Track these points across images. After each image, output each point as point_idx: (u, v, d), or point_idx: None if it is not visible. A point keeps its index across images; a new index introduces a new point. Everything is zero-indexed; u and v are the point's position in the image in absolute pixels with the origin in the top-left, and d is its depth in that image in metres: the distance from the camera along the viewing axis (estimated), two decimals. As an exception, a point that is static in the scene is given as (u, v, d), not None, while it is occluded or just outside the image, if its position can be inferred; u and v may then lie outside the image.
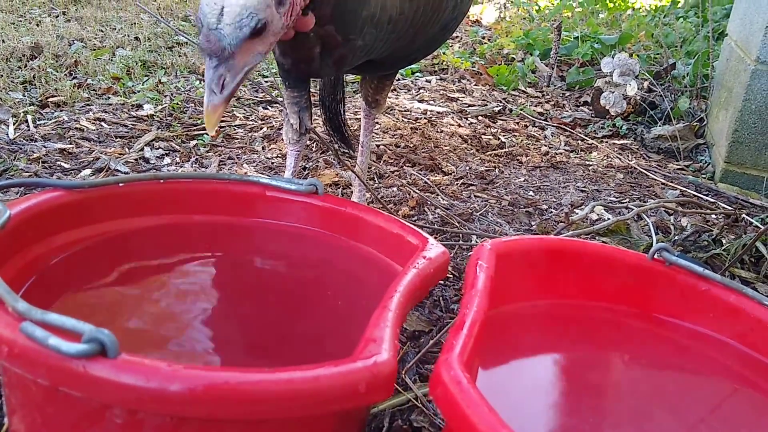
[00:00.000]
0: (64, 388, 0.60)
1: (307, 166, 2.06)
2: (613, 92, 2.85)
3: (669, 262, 0.93)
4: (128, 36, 3.48)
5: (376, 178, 2.05)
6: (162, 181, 0.98)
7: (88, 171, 1.97)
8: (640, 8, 5.68)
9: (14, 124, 2.24)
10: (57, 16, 3.80)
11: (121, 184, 0.95)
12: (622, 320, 0.94)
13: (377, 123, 2.48)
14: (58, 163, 2.00)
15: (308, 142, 2.14)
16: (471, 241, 1.68)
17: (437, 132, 2.57)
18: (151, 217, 0.99)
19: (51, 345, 0.59)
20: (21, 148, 2.06)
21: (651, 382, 0.89)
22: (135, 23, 3.80)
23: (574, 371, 0.92)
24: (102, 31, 3.54)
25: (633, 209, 1.85)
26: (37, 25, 3.50)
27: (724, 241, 1.65)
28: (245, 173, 2.02)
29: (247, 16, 0.94)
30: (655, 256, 0.94)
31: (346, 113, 1.80)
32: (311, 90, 1.42)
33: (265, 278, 1.01)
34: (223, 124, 2.46)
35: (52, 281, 0.86)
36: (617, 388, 0.89)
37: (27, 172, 1.92)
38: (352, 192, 1.78)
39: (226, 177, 1.03)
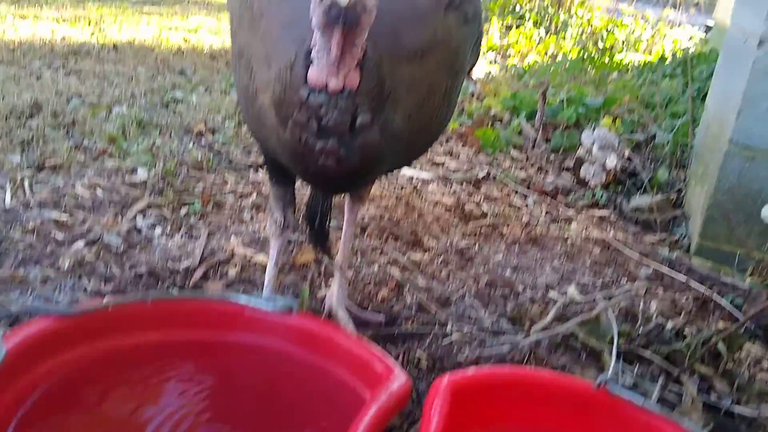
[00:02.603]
0: None
1: (291, 239, 2.13)
2: (593, 164, 2.94)
3: (612, 393, 1.00)
4: (125, 92, 3.57)
5: (359, 255, 2.13)
6: (149, 301, 1.06)
7: (81, 243, 2.04)
8: (628, 64, 5.83)
9: (11, 189, 2.31)
10: (57, 69, 3.90)
11: (109, 308, 1.02)
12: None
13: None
14: (52, 234, 2.07)
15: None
16: (447, 328, 1.75)
17: (422, 201, 2.66)
18: (138, 335, 1.06)
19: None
20: (17, 218, 2.13)
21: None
22: (132, 77, 3.90)
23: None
24: (100, 86, 3.63)
25: (603, 297, 1.92)
26: (37, 79, 3.60)
27: (687, 333, 1.72)
28: (232, 248, 2.09)
29: None
30: (601, 386, 1.02)
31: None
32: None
33: (241, 395, 1.08)
34: (214, 190, 2.54)
35: (45, 404, 0.93)
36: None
37: (22, 242, 1.99)
38: (332, 272, 1.85)
39: (208, 297, 1.10)
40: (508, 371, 1.06)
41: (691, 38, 7.16)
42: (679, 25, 7.87)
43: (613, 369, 1.49)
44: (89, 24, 5.30)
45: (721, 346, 1.63)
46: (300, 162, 1.19)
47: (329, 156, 1.14)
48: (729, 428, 1.49)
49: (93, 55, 4.34)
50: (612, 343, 1.62)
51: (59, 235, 2.07)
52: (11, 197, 2.26)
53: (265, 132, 1.28)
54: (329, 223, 1.54)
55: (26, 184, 2.36)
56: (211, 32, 5.63)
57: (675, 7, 9.20)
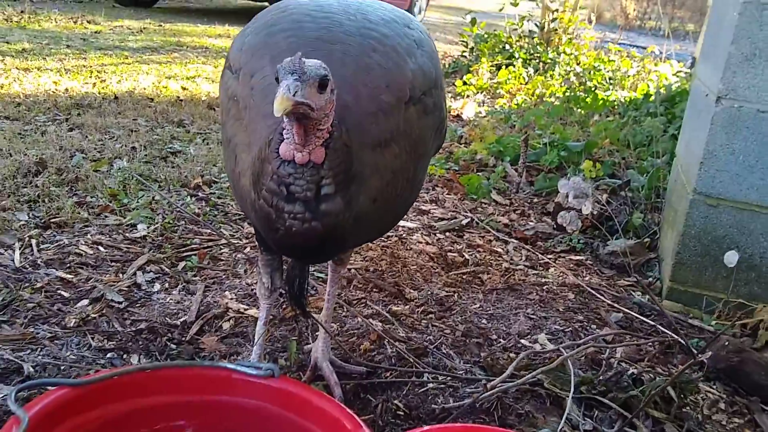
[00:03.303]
0: None
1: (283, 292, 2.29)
2: (569, 211, 3.11)
3: (552, 446, 1.15)
4: (126, 146, 3.75)
5: (345, 305, 2.28)
6: (148, 370, 1.22)
7: (85, 301, 2.20)
8: (614, 102, 6.02)
9: (20, 248, 2.47)
10: (60, 123, 4.08)
11: (114, 377, 1.18)
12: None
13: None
14: (59, 292, 2.23)
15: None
16: (423, 377, 1.90)
17: (406, 250, 2.82)
18: (140, 399, 1.21)
19: None
20: (26, 277, 2.29)
21: None
22: (133, 130, 4.08)
23: None
24: (101, 140, 3.81)
25: (575, 342, 2.07)
26: (42, 134, 3.78)
27: (645, 379, 1.87)
28: (226, 303, 2.25)
29: (323, 68, 1.24)
30: (542, 441, 1.17)
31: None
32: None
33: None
34: (210, 244, 2.70)
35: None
36: None
37: (31, 302, 2.14)
38: (314, 324, 2.01)
39: (200, 364, 1.26)
40: (458, 427, 1.21)
41: (676, 73, 7.35)
42: (666, 60, 8.05)
43: (567, 416, 1.63)
44: (91, 74, 5.50)
45: (672, 392, 1.77)
46: (271, 225, 1.34)
47: (296, 219, 1.30)
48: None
49: (95, 107, 4.53)
50: (574, 392, 1.77)
51: (65, 294, 2.23)
52: (20, 257, 2.42)
53: (247, 206, 1.45)
54: (306, 287, 1.70)
55: (33, 243, 2.53)
56: (209, 80, 5.83)
57: (665, 37, 9.42)
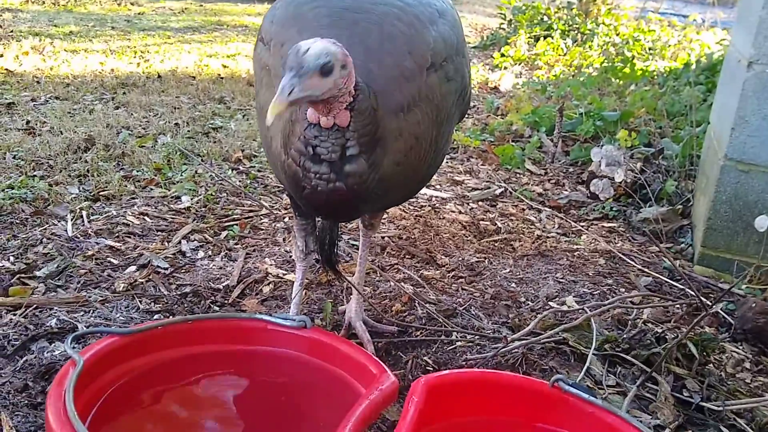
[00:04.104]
0: None
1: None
2: (602, 179, 3.14)
3: (564, 390, 1.23)
4: (169, 122, 3.89)
5: (378, 271, 2.37)
6: (189, 322, 1.32)
7: (133, 267, 2.32)
8: (653, 72, 5.97)
9: (72, 219, 2.61)
10: (107, 102, 4.24)
11: (159, 327, 1.29)
12: (525, 431, 1.24)
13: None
14: (109, 259, 2.36)
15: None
16: (451, 336, 1.98)
17: (439, 219, 2.89)
18: (182, 349, 1.33)
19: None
20: (78, 246, 2.43)
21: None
22: (176, 107, 4.22)
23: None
24: (146, 117, 3.95)
25: (601, 303, 2.13)
26: (90, 113, 3.93)
27: (669, 338, 1.92)
28: (266, 268, 2.36)
29: (324, 55, 1.27)
30: (555, 385, 1.24)
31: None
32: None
33: (266, 392, 1.35)
34: (250, 215, 2.81)
35: (112, 404, 1.20)
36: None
37: (83, 269, 2.28)
38: (348, 287, 2.10)
39: (238, 316, 1.36)
40: (475, 373, 1.30)
41: (720, 41, 7.22)
42: (710, 28, 7.90)
43: (589, 370, 1.70)
44: (135, 54, 5.66)
45: (694, 349, 1.82)
46: (298, 184, 1.42)
47: (321, 179, 1.38)
48: (697, 421, 1.70)
49: (139, 86, 4.68)
50: (597, 349, 1.84)
51: (114, 261, 2.36)
52: (72, 227, 2.56)
53: (278, 169, 1.53)
54: (337, 247, 1.79)
55: (84, 214, 2.66)
56: (249, 57, 5.95)
57: (711, 5, 9.22)
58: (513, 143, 3.96)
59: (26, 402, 1.61)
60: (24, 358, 1.78)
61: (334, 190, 1.38)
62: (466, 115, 4.57)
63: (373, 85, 1.41)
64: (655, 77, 5.79)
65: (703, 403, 1.71)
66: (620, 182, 3.16)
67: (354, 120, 1.35)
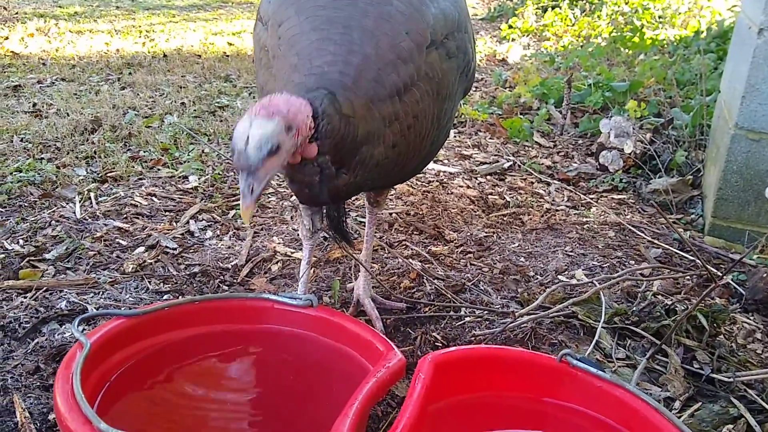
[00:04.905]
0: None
1: (327, 237, 2.39)
2: (611, 150, 3.11)
3: (572, 364, 1.22)
4: (175, 102, 3.88)
5: (386, 247, 2.37)
6: (197, 302, 1.33)
7: (142, 248, 2.33)
8: (663, 41, 5.89)
9: (80, 201, 2.62)
10: (113, 83, 4.23)
11: (166, 309, 1.30)
12: (534, 406, 1.25)
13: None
14: (117, 240, 2.37)
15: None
16: (460, 312, 1.98)
17: (447, 194, 2.88)
18: (190, 329, 1.33)
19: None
20: (86, 227, 2.44)
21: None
22: (182, 86, 4.20)
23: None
24: (152, 97, 3.95)
25: (610, 276, 2.12)
26: (96, 94, 3.93)
27: (678, 310, 1.91)
28: (274, 247, 2.36)
29: (265, 142, 1.26)
30: (562, 359, 1.24)
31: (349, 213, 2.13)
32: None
33: (274, 370, 1.35)
34: (257, 193, 2.81)
35: (121, 385, 1.20)
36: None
37: (92, 251, 2.29)
38: (356, 265, 2.10)
39: (244, 296, 1.37)
40: (481, 349, 1.30)
41: (731, 8, 7.11)
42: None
43: (598, 343, 1.70)
44: (140, 34, 5.64)
45: (704, 321, 1.81)
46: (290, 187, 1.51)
47: (302, 194, 1.46)
48: (708, 393, 1.69)
49: (145, 66, 4.67)
50: (607, 322, 1.83)
51: (123, 242, 2.36)
52: (80, 209, 2.56)
53: None
54: (346, 224, 1.79)
55: (92, 196, 2.67)
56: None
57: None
58: (521, 116, 3.93)
59: (38, 384, 1.63)
60: (35, 341, 1.80)
61: (321, 198, 1.44)
62: (473, 88, 4.53)
63: (367, 72, 1.41)
64: (665, 46, 5.72)
65: (714, 375, 1.70)
66: (629, 153, 3.13)
67: (321, 146, 1.36)
